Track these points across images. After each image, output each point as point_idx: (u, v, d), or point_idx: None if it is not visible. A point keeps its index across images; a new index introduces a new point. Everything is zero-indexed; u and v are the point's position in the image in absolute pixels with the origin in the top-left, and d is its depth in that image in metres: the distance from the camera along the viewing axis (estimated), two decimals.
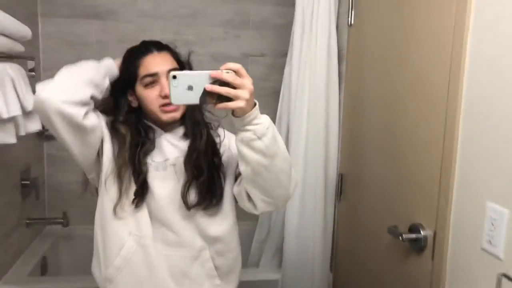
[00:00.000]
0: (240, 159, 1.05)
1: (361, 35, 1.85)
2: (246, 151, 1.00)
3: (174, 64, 1.17)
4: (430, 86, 1.35)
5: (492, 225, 1.07)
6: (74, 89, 1.04)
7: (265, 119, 0.98)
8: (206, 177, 1.16)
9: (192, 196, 1.16)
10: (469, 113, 1.18)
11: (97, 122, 1.11)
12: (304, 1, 1.95)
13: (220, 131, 1.27)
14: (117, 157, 1.14)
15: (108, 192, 1.15)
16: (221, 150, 1.23)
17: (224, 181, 1.21)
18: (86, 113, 1.07)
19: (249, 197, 1.14)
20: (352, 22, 1.91)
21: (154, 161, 1.17)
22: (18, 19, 1.80)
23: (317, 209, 1.97)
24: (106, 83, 1.13)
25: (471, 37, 1.17)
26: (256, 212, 1.16)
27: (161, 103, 1.13)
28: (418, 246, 1.37)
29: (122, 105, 1.18)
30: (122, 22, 2.42)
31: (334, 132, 2.00)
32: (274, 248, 2.11)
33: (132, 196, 1.15)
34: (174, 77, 0.90)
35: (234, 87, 0.91)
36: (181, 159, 1.18)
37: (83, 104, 1.05)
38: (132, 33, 2.41)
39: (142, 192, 1.15)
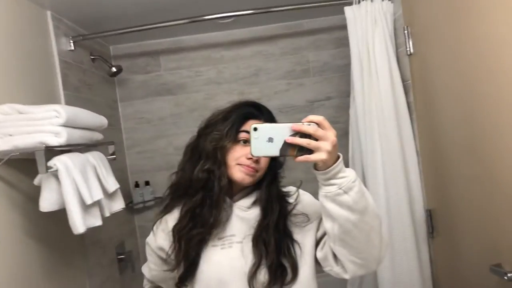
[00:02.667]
0: (325, 216, 0.98)
1: (423, 62, 1.77)
2: (332, 207, 0.93)
3: None
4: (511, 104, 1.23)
5: None
6: None
7: (350, 172, 0.92)
8: (276, 254, 1.07)
9: (262, 277, 1.06)
10: None
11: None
12: (357, 39, 1.94)
13: (295, 195, 1.17)
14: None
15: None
16: (296, 218, 1.13)
17: (301, 250, 1.11)
18: None
19: (336, 260, 1.06)
20: (412, 51, 1.85)
21: (219, 238, 1.11)
22: (100, 108, 2.01)
23: (409, 250, 1.83)
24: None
25: None
26: (346, 277, 1.05)
27: (242, 162, 1.08)
28: None
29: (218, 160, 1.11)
30: (191, 93, 2.59)
31: (413, 166, 1.88)
32: None
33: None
34: (255, 129, 0.89)
35: (316, 140, 0.87)
36: (250, 237, 1.10)
37: None
38: (201, 101, 2.57)
39: (187, 277, 1.11)
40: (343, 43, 2.54)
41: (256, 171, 1.10)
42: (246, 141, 1.10)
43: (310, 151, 0.87)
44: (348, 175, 0.91)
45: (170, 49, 2.58)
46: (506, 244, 1.33)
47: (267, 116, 1.15)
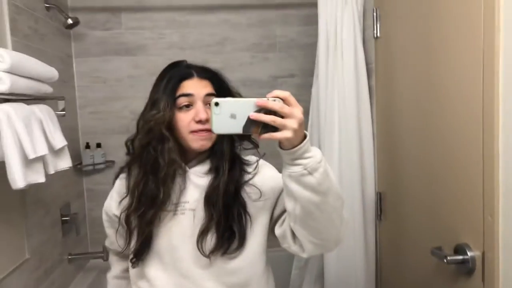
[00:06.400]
0: (287, 196, 0.95)
1: (388, 46, 1.78)
2: (295, 187, 0.89)
3: (212, 91, 1.09)
4: (465, 93, 1.25)
5: None
6: None
7: (316, 152, 0.88)
8: (224, 217, 1.05)
9: (209, 241, 1.06)
10: (508, 117, 1.08)
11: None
12: (326, 18, 1.91)
13: (254, 165, 1.14)
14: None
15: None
16: (250, 188, 1.10)
17: (251, 223, 1.09)
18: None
19: (294, 238, 1.04)
20: (378, 34, 1.85)
21: (174, 203, 1.09)
22: (52, 61, 1.89)
23: (356, 231, 1.87)
24: None
25: (502, 35, 1.08)
26: (303, 255, 1.04)
27: (193, 128, 1.05)
28: (465, 269, 1.25)
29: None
30: (152, 55, 2.48)
31: (368, 149, 1.91)
32: (315, 274, 2.02)
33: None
34: (217, 104, 0.83)
35: (282, 117, 0.83)
36: (202, 202, 1.08)
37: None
38: (161, 66, 2.45)
39: (142, 252, 1.10)
40: (311, 21, 2.49)
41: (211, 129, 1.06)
42: (189, 105, 1.06)
43: (275, 128, 0.83)
44: (314, 155, 0.87)
45: (133, 7, 2.45)
46: (447, 227, 1.38)
47: (198, 72, 1.10)
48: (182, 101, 1.06)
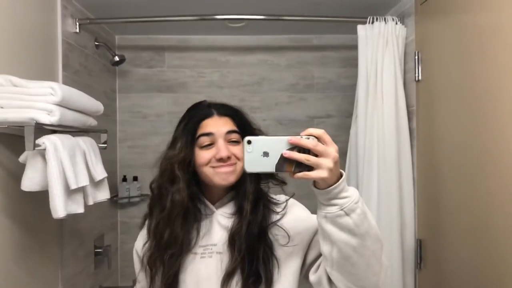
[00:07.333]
0: (323, 239, 0.90)
1: (430, 89, 1.75)
2: (331, 229, 0.85)
3: (233, 127, 1.06)
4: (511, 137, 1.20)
5: None
6: None
7: (353, 192, 0.84)
8: (248, 260, 1.00)
9: (234, 285, 1.01)
10: None
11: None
12: (367, 60, 1.92)
13: (283, 205, 1.09)
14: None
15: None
16: (278, 230, 1.06)
17: (278, 265, 1.04)
18: None
19: (331, 284, 0.98)
20: (420, 77, 1.83)
21: (201, 245, 1.06)
22: (97, 95, 1.96)
23: (395, 279, 1.78)
24: None
25: None
26: None
27: (214, 165, 1.02)
28: None
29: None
30: (192, 93, 2.55)
31: (408, 194, 1.85)
32: None
33: None
34: (249, 142, 0.82)
35: (316, 155, 0.80)
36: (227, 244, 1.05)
37: None
38: None
39: None
40: (350, 63, 2.51)
41: (234, 163, 1.03)
42: (210, 144, 1.04)
43: (309, 167, 0.80)
44: (351, 195, 0.83)
45: (176, 46, 2.54)
46: (491, 280, 1.29)
47: (218, 110, 1.08)
48: (204, 140, 1.03)
